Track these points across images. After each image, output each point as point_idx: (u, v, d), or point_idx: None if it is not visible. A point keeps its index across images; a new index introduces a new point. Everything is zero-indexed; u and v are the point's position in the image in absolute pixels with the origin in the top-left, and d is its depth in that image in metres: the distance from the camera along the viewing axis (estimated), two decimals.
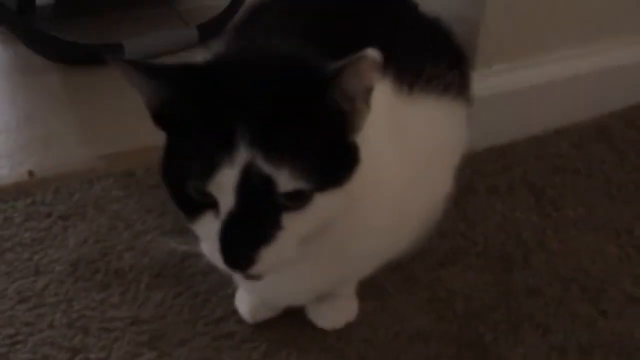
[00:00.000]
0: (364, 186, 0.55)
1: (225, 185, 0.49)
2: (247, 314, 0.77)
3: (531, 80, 1.07)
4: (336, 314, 0.77)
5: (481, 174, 1.02)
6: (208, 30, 1.35)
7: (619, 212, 0.96)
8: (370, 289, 0.80)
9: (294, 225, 0.51)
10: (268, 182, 0.48)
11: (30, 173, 1.04)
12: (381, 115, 0.59)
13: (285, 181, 0.49)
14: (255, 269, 0.51)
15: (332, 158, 0.52)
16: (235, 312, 0.78)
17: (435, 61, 0.69)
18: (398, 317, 0.79)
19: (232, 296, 0.80)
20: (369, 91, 0.52)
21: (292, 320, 0.78)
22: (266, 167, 0.48)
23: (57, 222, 0.92)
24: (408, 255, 0.76)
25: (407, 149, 0.64)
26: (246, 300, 0.77)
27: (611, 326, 0.79)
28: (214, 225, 0.51)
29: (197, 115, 0.50)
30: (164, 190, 0.55)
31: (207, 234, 0.52)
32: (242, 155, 0.48)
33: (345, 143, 0.54)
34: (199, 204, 0.52)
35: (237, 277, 0.67)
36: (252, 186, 0.48)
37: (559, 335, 0.77)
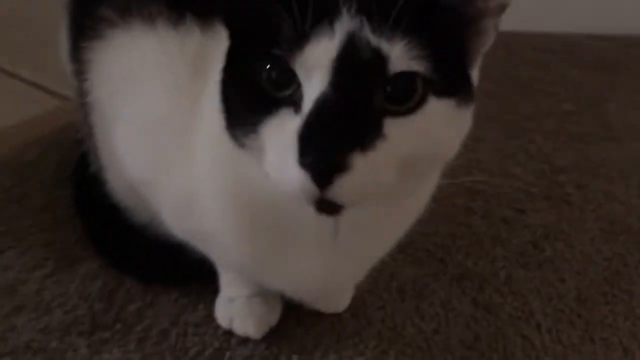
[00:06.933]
0: None
1: (318, 62, 0.38)
2: (252, 327, 0.61)
3: None
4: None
5: None
6: None
7: None
8: None
9: (398, 136, 0.39)
10: (376, 58, 0.38)
11: None
12: None
13: (399, 58, 0.38)
14: (346, 182, 0.38)
15: (451, 61, 0.41)
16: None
17: None
18: None
19: None
20: (501, 8, 0.42)
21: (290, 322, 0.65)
22: (374, 39, 0.38)
23: None
24: None
25: None
26: (245, 311, 0.61)
27: None
28: (291, 124, 0.40)
29: None
30: None
31: (278, 139, 0.41)
32: (345, 23, 0.38)
33: (463, 64, 0.43)
34: (270, 101, 0.41)
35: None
36: (354, 65, 0.38)
37: None
